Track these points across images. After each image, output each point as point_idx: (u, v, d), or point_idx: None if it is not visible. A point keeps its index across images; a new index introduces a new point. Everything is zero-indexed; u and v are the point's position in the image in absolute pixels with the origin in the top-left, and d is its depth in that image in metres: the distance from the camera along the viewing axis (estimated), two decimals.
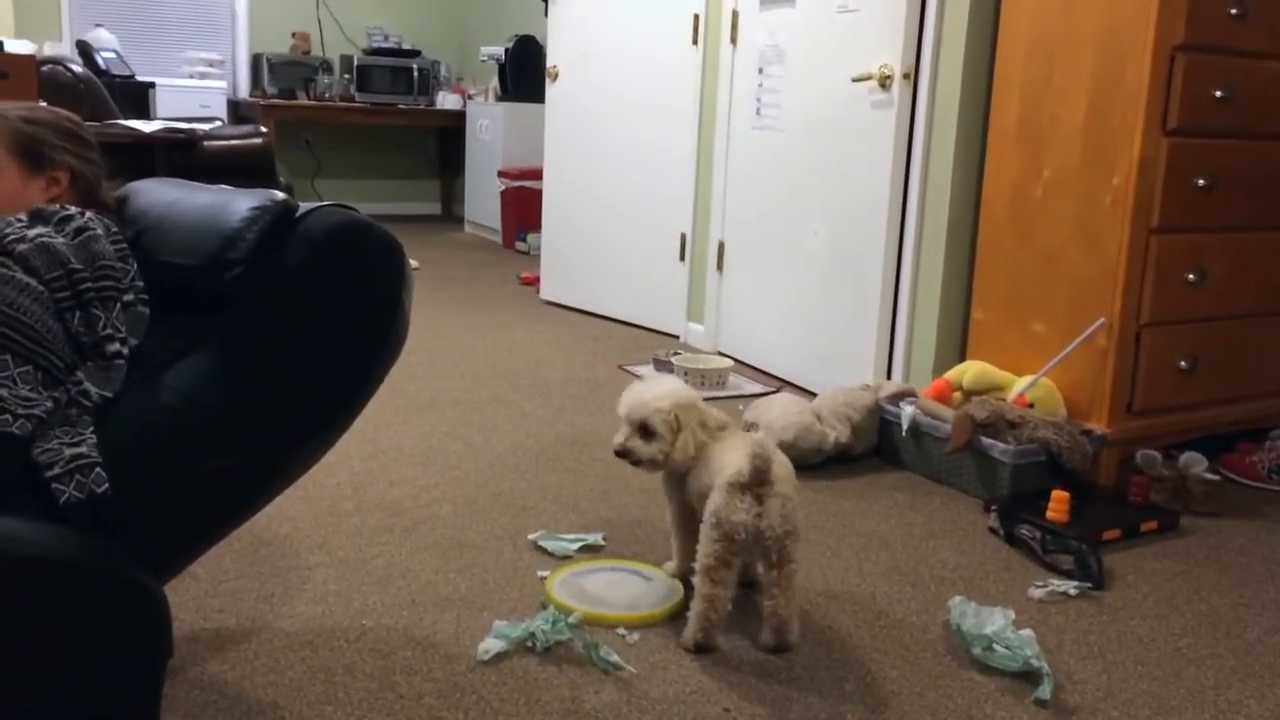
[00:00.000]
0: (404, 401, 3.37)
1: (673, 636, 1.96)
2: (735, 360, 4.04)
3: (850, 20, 3.51)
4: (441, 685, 1.77)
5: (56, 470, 1.35)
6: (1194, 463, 2.73)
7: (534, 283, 5.41)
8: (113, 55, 6.15)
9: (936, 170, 3.26)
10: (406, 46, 7.80)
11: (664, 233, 4.57)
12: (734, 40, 4.11)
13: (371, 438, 3.00)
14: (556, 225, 5.10)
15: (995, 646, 1.90)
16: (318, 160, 7.90)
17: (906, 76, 3.29)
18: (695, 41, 4.33)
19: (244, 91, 7.48)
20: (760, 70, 3.95)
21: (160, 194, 1.73)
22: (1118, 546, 2.46)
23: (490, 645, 1.86)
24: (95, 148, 1.78)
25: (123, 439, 1.43)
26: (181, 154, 4.41)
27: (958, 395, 2.99)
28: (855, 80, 3.44)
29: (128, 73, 6.11)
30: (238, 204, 1.58)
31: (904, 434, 2.92)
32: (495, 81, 7.18)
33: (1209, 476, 2.72)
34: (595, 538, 2.37)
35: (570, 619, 1.95)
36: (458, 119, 7.61)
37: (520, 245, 6.68)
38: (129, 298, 1.56)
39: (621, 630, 1.96)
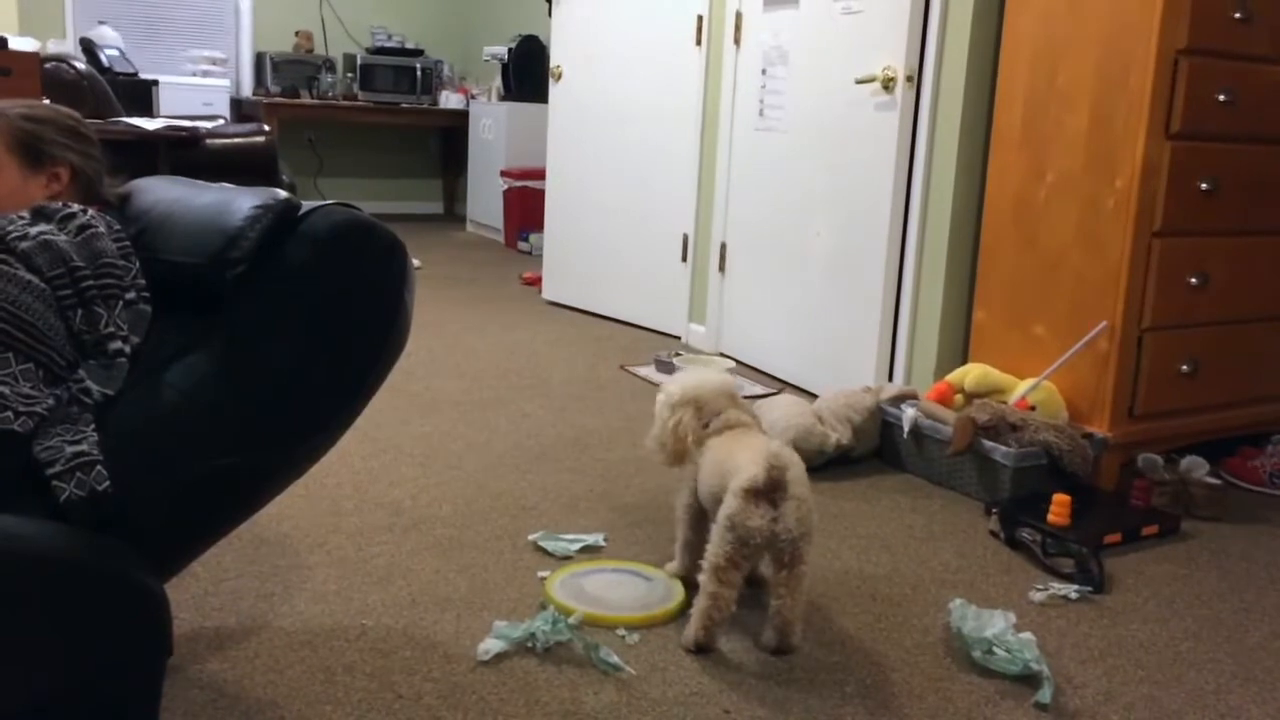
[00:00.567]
0: (405, 401, 3.37)
1: (673, 638, 1.96)
2: (737, 361, 4.04)
3: (854, 22, 3.51)
4: (441, 685, 1.77)
5: (57, 468, 1.35)
6: (1195, 467, 2.73)
7: (536, 283, 5.42)
8: (116, 53, 6.15)
9: (939, 172, 3.26)
10: (410, 46, 7.80)
11: (666, 233, 4.57)
12: (737, 41, 4.11)
13: (372, 437, 3.00)
14: (559, 225, 5.10)
15: (995, 649, 1.89)
16: (320, 159, 7.90)
17: (910, 79, 3.29)
18: (699, 42, 4.33)
19: (247, 90, 7.48)
20: (763, 71, 3.95)
21: (163, 192, 1.73)
22: (1119, 550, 2.46)
23: (490, 645, 1.86)
24: (96, 144, 1.78)
25: (124, 437, 1.43)
26: (184, 152, 4.42)
27: (959, 398, 2.99)
28: (859, 82, 3.43)
29: (131, 70, 6.11)
30: (240, 202, 1.58)
31: (905, 436, 2.92)
32: (498, 81, 7.18)
33: (1210, 481, 2.72)
34: (596, 538, 2.37)
35: (570, 620, 1.94)
36: (461, 118, 7.61)
37: (522, 245, 6.68)
38: (131, 296, 1.56)
39: (621, 631, 1.96)
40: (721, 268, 4.27)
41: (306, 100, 7.38)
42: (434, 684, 1.77)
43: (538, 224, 5.69)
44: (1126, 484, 2.75)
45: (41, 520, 1.32)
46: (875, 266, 3.45)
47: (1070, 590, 2.22)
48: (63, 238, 1.53)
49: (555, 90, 5.04)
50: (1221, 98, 2.73)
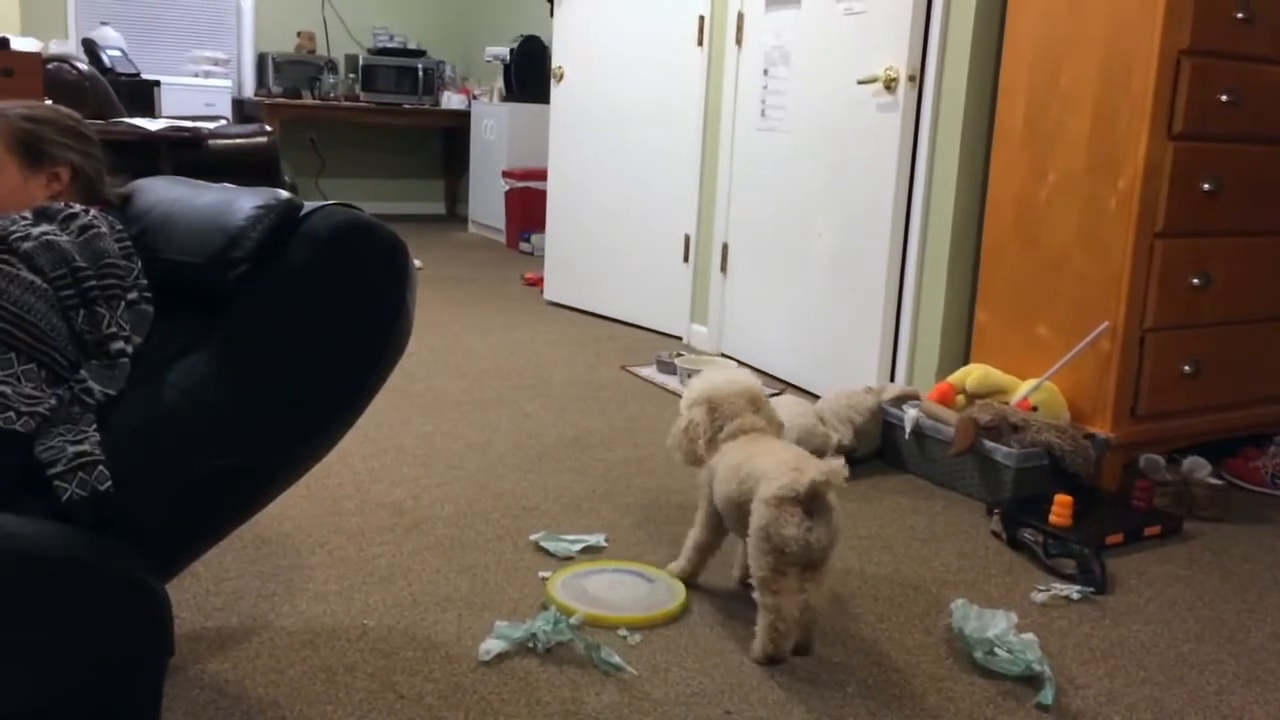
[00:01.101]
0: (406, 401, 3.37)
1: (675, 638, 1.96)
2: (738, 362, 4.04)
3: (856, 22, 3.50)
4: (442, 685, 1.77)
5: (59, 468, 1.36)
6: (1197, 467, 2.73)
7: (537, 283, 5.42)
8: (118, 53, 6.15)
9: (941, 173, 3.26)
10: (412, 46, 7.81)
11: (668, 234, 4.57)
12: (739, 41, 4.10)
13: (373, 437, 3.00)
14: (560, 226, 5.10)
15: (997, 650, 1.89)
16: (322, 159, 7.91)
17: (912, 79, 3.29)
18: (700, 43, 4.33)
19: (249, 90, 7.48)
20: (765, 72, 3.95)
21: (164, 192, 1.73)
22: (1120, 551, 2.46)
23: (491, 646, 1.86)
24: (97, 144, 1.78)
25: (126, 437, 1.43)
26: (186, 152, 4.42)
27: (961, 398, 2.99)
28: (860, 82, 3.43)
29: (133, 71, 6.12)
30: (242, 203, 1.58)
31: (907, 437, 2.92)
32: (500, 82, 7.18)
33: (1212, 481, 2.72)
34: (597, 539, 2.36)
35: (571, 620, 1.94)
36: (462, 119, 7.62)
37: (524, 246, 6.68)
38: (133, 296, 1.56)
39: (623, 631, 1.96)
40: (723, 268, 4.27)
41: (308, 101, 7.38)
42: (435, 684, 1.77)
43: (539, 224, 5.69)
44: (1128, 485, 2.74)
45: (43, 520, 1.32)
46: (877, 267, 3.45)
47: (1072, 591, 2.22)
48: (65, 238, 1.53)
49: (557, 91, 5.04)
50: (1224, 98, 2.73)
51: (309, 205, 1.61)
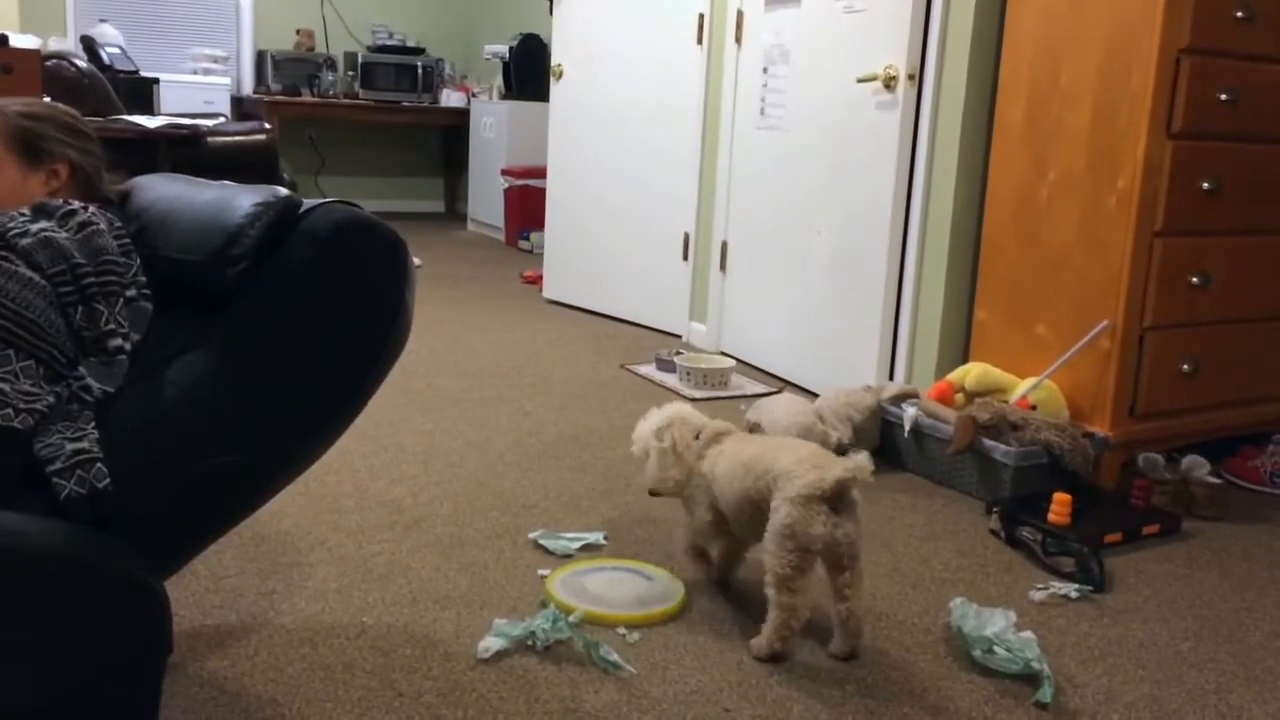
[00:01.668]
0: (406, 399, 3.37)
1: (674, 636, 1.96)
2: (737, 360, 4.04)
3: (855, 21, 3.50)
4: (441, 683, 1.77)
5: (58, 465, 1.35)
6: (1196, 466, 2.73)
7: (537, 281, 5.42)
8: (117, 51, 6.15)
9: (941, 171, 3.26)
10: (411, 44, 7.80)
11: (667, 232, 4.57)
12: (739, 40, 4.10)
13: (373, 435, 3.00)
14: (560, 224, 5.10)
15: (996, 648, 1.89)
16: (321, 157, 7.90)
17: (911, 77, 3.29)
18: (700, 41, 4.33)
19: (248, 88, 7.48)
20: (765, 70, 3.95)
21: (163, 189, 1.73)
22: (1119, 549, 2.46)
23: (490, 644, 1.86)
24: (95, 141, 1.78)
25: (124, 434, 1.43)
26: (185, 150, 4.42)
27: (960, 397, 2.99)
28: (860, 81, 3.43)
29: (132, 68, 6.12)
30: (241, 200, 1.58)
31: (906, 435, 2.92)
32: (499, 80, 7.18)
33: (1211, 480, 2.72)
34: (596, 537, 2.36)
35: (571, 618, 1.94)
36: (462, 117, 7.61)
37: (523, 244, 6.68)
38: (131, 293, 1.55)
39: (622, 630, 1.96)
40: (723, 266, 4.27)
41: (307, 98, 7.38)
42: (434, 682, 1.77)
43: (539, 222, 5.69)
44: (1127, 483, 2.74)
45: (41, 517, 1.32)
46: (876, 265, 3.45)
47: (1071, 589, 2.22)
48: (63, 235, 1.53)
49: (556, 89, 5.03)
50: (1223, 97, 2.73)
51: (308, 203, 1.61)
